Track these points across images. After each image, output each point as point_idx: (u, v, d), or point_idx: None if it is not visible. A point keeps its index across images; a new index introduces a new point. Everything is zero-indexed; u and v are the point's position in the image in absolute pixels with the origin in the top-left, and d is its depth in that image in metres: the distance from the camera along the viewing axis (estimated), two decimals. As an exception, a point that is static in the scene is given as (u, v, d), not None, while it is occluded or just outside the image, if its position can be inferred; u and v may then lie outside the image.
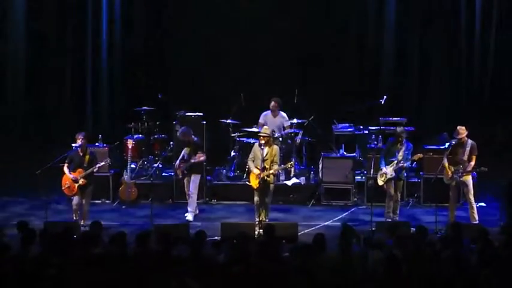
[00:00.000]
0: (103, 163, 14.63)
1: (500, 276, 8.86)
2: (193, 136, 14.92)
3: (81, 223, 14.03)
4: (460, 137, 13.95)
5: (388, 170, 14.23)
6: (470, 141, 13.98)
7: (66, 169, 14.27)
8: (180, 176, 14.95)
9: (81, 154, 14.27)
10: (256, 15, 18.20)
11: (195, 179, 14.80)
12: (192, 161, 14.71)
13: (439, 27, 18.13)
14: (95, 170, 14.36)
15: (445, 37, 18.19)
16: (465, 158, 13.93)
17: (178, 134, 15.22)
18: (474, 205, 14.08)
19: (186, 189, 14.96)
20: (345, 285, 8.95)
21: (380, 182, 14.39)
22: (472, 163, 13.93)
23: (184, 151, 14.82)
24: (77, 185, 14.18)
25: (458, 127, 14.04)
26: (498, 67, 18.14)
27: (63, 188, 14.34)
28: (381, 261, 9.18)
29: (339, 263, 9.35)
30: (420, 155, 14.44)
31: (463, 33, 18.17)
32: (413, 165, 15.61)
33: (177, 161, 14.96)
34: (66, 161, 14.31)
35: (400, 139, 14.31)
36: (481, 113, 17.94)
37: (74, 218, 14.25)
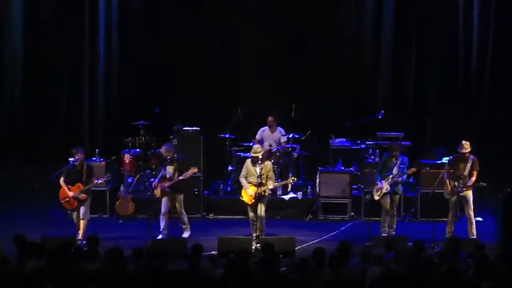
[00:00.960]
0: (105, 179, 14.77)
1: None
2: (176, 154, 14.48)
3: (79, 237, 14.06)
4: (464, 151, 13.91)
5: (384, 185, 14.22)
6: (471, 157, 13.97)
7: (62, 183, 14.24)
8: (159, 195, 14.35)
9: (78, 168, 14.26)
10: (255, 31, 18.26)
11: (181, 199, 14.37)
12: (181, 177, 14.20)
13: (437, 40, 18.18)
14: (96, 181, 14.39)
15: (443, 51, 18.23)
16: (466, 173, 13.92)
17: (161, 150, 14.57)
18: (473, 220, 14.06)
19: (164, 208, 14.30)
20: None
21: (376, 197, 14.38)
22: (473, 178, 13.92)
23: (167, 169, 14.32)
24: (76, 200, 14.17)
25: (463, 141, 13.99)
26: (496, 79, 18.17)
27: (62, 201, 14.32)
28: (378, 277, 9.18)
29: (334, 279, 9.34)
30: (414, 169, 14.44)
31: (460, 46, 18.23)
32: (410, 179, 15.68)
33: (156, 180, 14.44)
34: (63, 175, 14.28)
35: (394, 153, 14.30)
36: (479, 127, 17.93)
37: (79, 232, 14.25)
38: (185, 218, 14.53)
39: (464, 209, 14.14)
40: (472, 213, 14.02)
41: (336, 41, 18.28)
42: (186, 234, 14.43)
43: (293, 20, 18.28)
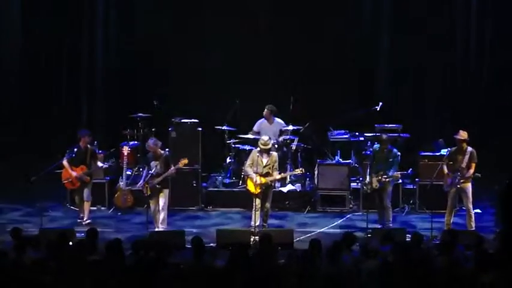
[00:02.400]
0: (109, 163, 15.38)
1: (497, 283, 8.87)
2: (162, 150, 14.31)
3: (85, 218, 14.54)
4: (459, 137, 13.90)
5: (374, 180, 14.19)
6: (470, 149, 13.96)
7: (66, 163, 14.50)
8: (149, 193, 14.03)
9: (83, 150, 14.58)
10: (254, 22, 18.23)
11: (166, 194, 14.03)
12: (173, 171, 13.89)
13: (435, 34, 18.14)
14: (100, 166, 14.96)
15: (440, 44, 18.21)
16: (464, 165, 13.91)
17: (150, 146, 14.13)
18: (472, 213, 14.03)
19: (153, 206, 14.03)
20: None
21: (368, 191, 14.38)
22: (471, 170, 13.89)
23: (153, 165, 14.02)
24: (79, 180, 14.53)
25: (460, 130, 14.02)
26: (494, 72, 18.15)
27: (64, 181, 14.60)
28: (374, 270, 9.19)
29: (331, 272, 9.35)
30: (398, 175, 14.38)
31: (458, 39, 18.21)
32: (408, 171, 15.74)
33: (142, 178, 14.17)
34: (66, 157, 14.53)
35: (383, 146, 14.29)
36: (478, 120, 17.92)
37: (81, 214, 14.69)
38: (164, 216, 14.02)
39: (463, 201, 14.13)
40: (471, 205, 14.00)
41: (334, 33, 18.22)
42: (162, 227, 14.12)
43: (291, 12, 18.24)
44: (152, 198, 14.06)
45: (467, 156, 13.91)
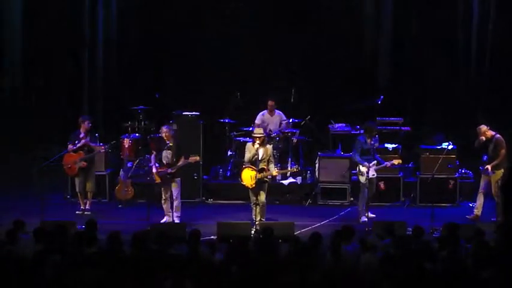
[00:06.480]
0: (106, 147, 15.47)
1: (497, 276, 8.86)
2: (175, 139, 14.47)
3: (86, 206, 14.95)
4: (480, 137, 14.24)
5: (370, 170, 14.21)
6: (496, 136, 14.30)
7: (70, 148, 14.80)
8: (160, 181, 14.31)
9: (84, 136, 14.86)
10: (254, 14, 18.22)
11: (179, 183, 14.34)
12: (183, 164, 14.21)
13: (437, 27, 18.13)
14: (96, 151, 15.05)
15: (442, 37, 18.19)
16: (491, 153, 14.19)
17: (164, 133, 14.34)
18: (478, 201, 14.36)
19: (165, 193, 14.31)
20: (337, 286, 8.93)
21: (363, 180, 14.32)
22: (499, 158, 14.15)
23: (165, 154, 14.27)
24: (77, 166, 14.77)
25: (483, 124, 14.39)
26: (496, 66, 18.12)
27: (64, 167, 14.89)
28: (373, 263, 9.20)
29: (331, 264, 9.34)
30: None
31: (460, 33, 18.19)
32: (409, 165, 15.76)
33: (154, 166, 14.34)
34: (70, 142, 14.83)
35: (368, 135, 14.31)
36: (479, 113, 17.90)
37: (81, 205, 15.06)
38: (178, 204, 14.38)
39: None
40: (493, 194, 14.27)
41: (335, 26, 18.20)
42: (177, 219, 14.34)
43: (293, 4, 18.23)
44: (163, 186, 14.28)
45: (491, 145, 14.19)
